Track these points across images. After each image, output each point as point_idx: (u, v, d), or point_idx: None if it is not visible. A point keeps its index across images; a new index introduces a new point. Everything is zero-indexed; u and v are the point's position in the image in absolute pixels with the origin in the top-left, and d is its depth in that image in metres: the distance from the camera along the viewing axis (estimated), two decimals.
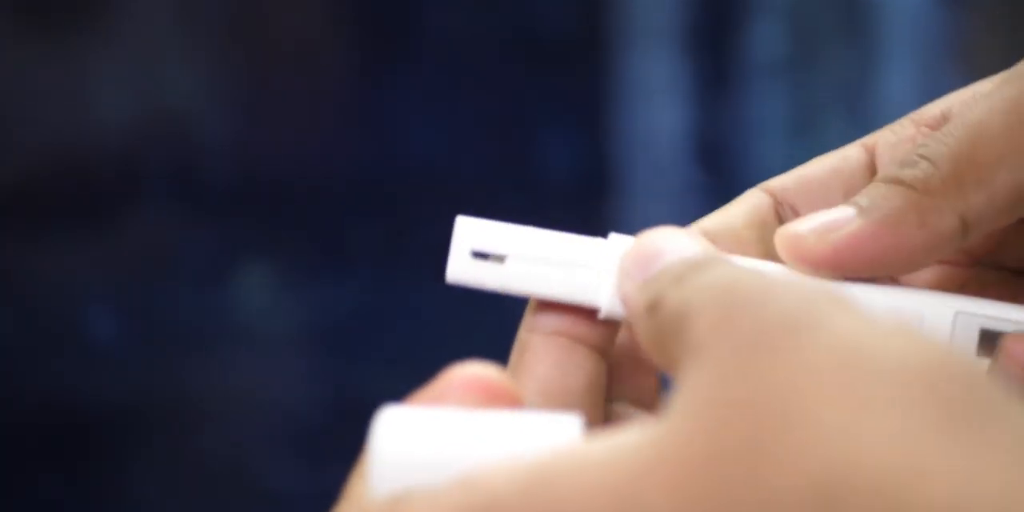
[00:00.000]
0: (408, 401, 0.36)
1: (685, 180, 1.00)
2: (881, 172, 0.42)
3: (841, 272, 0.41)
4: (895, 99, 1.00)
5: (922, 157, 0.41)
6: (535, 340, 0.40)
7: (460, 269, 0.40)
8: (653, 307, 0.34)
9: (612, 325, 0.40)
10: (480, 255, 0.40)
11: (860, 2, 1.02)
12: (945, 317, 0.41)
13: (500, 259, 0.40)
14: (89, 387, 0.96)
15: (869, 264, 0.41)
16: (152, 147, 0.96)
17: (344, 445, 0.99)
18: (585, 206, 0.99)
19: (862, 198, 0.41)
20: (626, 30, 1.01)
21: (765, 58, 1.01)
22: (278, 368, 0.99)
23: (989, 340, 0.41)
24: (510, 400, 0.34)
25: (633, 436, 0.30)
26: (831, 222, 0.41)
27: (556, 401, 0.39)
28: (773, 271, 0.40)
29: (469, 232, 0.40)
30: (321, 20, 0.99)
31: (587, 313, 0.40)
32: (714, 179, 1.00)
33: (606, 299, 0.39)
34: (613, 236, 0.40)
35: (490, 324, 1.00)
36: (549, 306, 0.40)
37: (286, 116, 0.99)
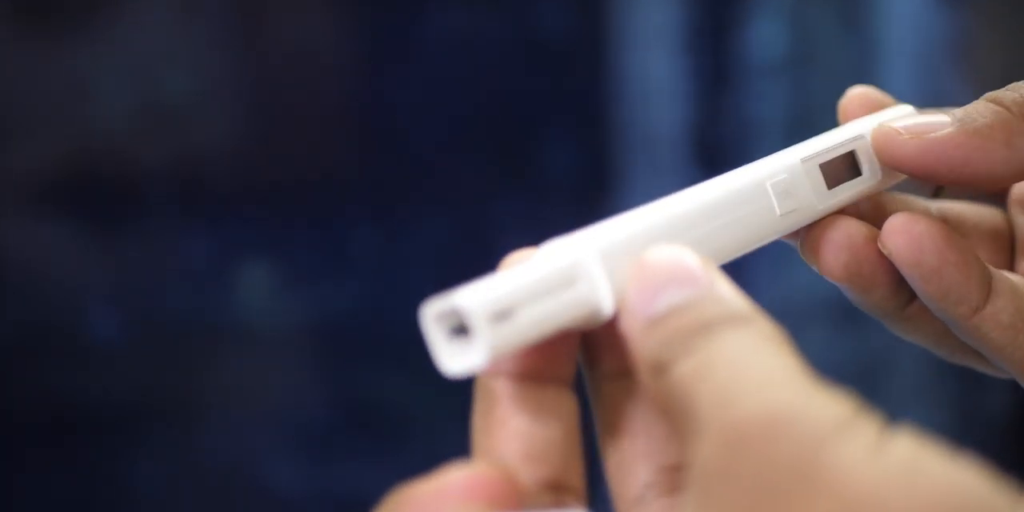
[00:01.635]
0: (406, 503, 0.34)
1: (685, 180, 1.00)
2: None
3: (922, 173, 0.43)
4: (895, 99, 1.00)
5: None
6: (503, 391, 0.38)
7: (497, 343, 0.35)
8: (659, 371, 0.34)
9: (573, 352, 0.39)
10: (498, 316, 0.36)
11: (860, 2, 1.02)
12: (798, 172, 0.42)
13: (509, 314, 0.36)
14: (89, 386, 0.96)
15: (949, 169, 0.42)
16: (152, 147, 0.96)
17: (344, 445, 0.99)
18: (585, 206, 0.99)
19: (961, 110, 0.43)
20: (626, 30, 1.01)
21: (765, 58, 1.01)
22: (278, 368, 0.99)
23: (828, 172, 0.43)
24: (508, 496, 0.34)
25: None
26: (926, 124, 0.43)
27: (541, 460, 0.37)
28: None
29: (475, 305, 0.35)
30: (321, 20, 0.99)
31: (551, 348, 0.38)
32: None
33: (605, 303, 0.37)
34: (550, 244, 0.38)
35: None
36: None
37: (286, 116, 0.99)
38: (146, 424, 0.97)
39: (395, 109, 1.00)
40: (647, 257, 0.36)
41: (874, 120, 0.44)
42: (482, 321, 0.35)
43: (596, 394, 0.39)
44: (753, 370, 0.32)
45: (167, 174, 0.97)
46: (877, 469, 0.30)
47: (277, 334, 0.99)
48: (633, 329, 0.35)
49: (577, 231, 0.38)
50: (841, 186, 0.44)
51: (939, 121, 0.43)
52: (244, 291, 0.98)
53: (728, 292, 0.35)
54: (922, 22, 1.01)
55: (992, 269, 0.42)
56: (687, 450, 0.32)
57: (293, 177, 0.99)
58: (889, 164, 0.43)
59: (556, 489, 0.37)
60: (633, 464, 0.38)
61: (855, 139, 0.45)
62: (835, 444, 0.30)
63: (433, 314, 0.36)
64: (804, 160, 0.43)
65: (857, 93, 0.46)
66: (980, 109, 0.43)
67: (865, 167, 0.44)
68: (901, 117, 0.44)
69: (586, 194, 1.01)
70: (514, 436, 0.37)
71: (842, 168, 0.44)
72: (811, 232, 0.43)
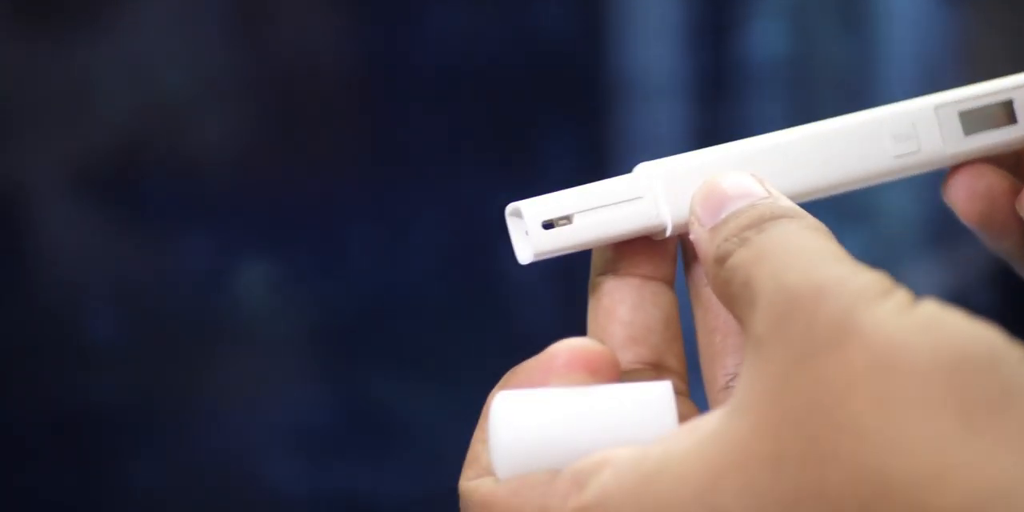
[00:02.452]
0: (516, 375, 0.40)
1: None
2: None
3: None
4: (895, 99, 1.00)
5: None
6: (610, 284, 0.44)
7: (539, 243, 0.43)
8: (720, 261, 0.39)
9: (671, 256, 0.45)
10: (549, 225, 0.43)
11: (860, 2, 1.02)
12: (929, 116, 0.45)
13: (568, 220, 0.44)
14: (88, 387, 0.96)
15: None
16: (152, 146, 0.96)
17: (344, 445, 0.99)
18: None
19: None
20: (626, 29, 1.01)
21: (765, 58, 1.01)
22: (278, 368, 0.99)
23: (969, 119, 0.45)
24: (609, 368, 0.39)
25: (709, 432, 0.35)
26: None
27: (641, 343, 0.44)
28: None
29: (534, 211, 0.44)
30: (321, 20, 0.99)
31: (650, 251, 0.45)
32: None
33: (670, 219, 0.44)
34: (642, 166, 0.46)
35: (491, 324, 1.00)
36: (614, 249, 0.45)
37: (286, 116, 0.99)
38: (145, 424, 0.97)
39: (395, 108, 1.00)
40: (712, 178, 0.42)
41: None
42: (533, 225, 0.43)
43: (694, 296, 0.45)
44: (802, 250, 0.37)
45: (167, 173, 0.97)
46: (904, 323, 0.34)
47: (277, 334, 0.99)
48: (700, 237, 0.41)
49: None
50: (985, 133, 0.46)
51: None
52: (243, 291, 0.98)
53: (780, 198, 0.40)
54: (922, 22, 1.01)
55: None
56: (745, 324, 0.37)
57: (293, 177, 0.99)
58: None
59: (656, 368, 0.44)
60: (721, 357, 0.43)
61: (1018, 88, 0.46)
62: (869, 306, 0.34)
63: (509, 212, 0.44)
64: (939, 106, 0.46)
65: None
66: None
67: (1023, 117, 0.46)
68: None
69: None
70: (617, 322, 0.44)
71: (993, 115, 0.46)
72: (954, 177, 0.46)
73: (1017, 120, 0.45)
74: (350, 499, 0.97)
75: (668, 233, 0.44)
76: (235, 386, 0.98)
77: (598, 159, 1.00)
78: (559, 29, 1.01)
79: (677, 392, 0.42)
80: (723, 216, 0.40)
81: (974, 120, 0.45)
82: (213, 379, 0.98)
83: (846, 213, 1.00)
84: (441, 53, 0.99)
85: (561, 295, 0.98)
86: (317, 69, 1.00)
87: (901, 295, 0.35)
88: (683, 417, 0.39)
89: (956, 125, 0.45)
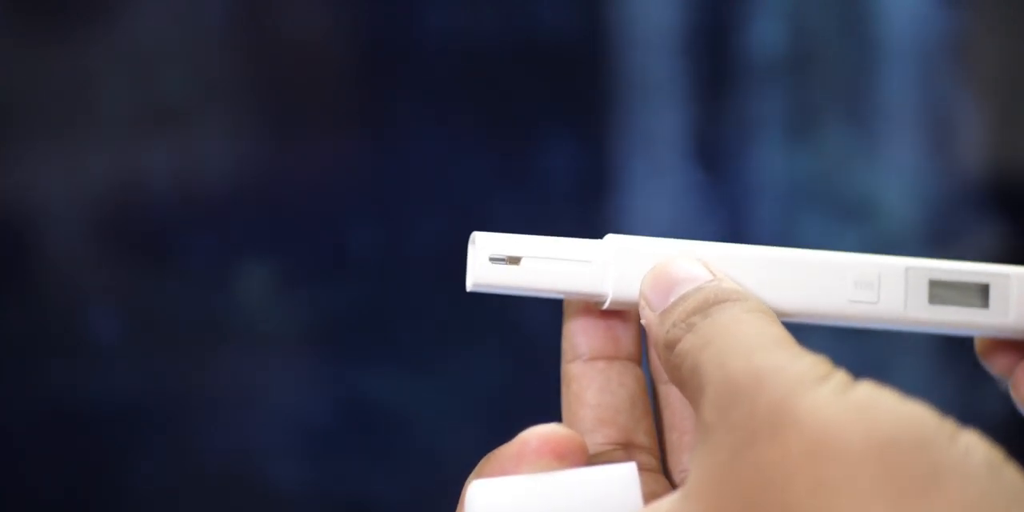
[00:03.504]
0: (490, 462, 0.42)
1: (685, 180, 1.00)
2: None
3: None
4: (895, 99, 1.00)
5: None
6: (577, 370, 0.46)
7: (481, 275, 0.45)
8: (670, 347, 0.40)
9: (634, 335, 0.46)
10: (497, 259, 0.45)
11: (860, 2, 1.02)
12: (898, 274, 0.45)
13: (516, 261, 0.45)
14: (88, 387, 0.96)
15: None
16: (152, 146, 0.96)
17: (344, 445, 0.99)
18: (585, 206, 0.99)
19: None
20: (626, 30, 1.01)
21: (765, 58, 1.01)
22: (278, 368, 0.99)
23: (938, 289, 0.45)
24: (576, 452, 0.41)
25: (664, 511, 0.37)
26: None
27: (609, 424, 0.46)
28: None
29: (485, 243, 0.45)
30: (321, 21, 0.99)
31: (613, 332, 0.46)
32: (714, 179, 1.00)
33: (611, 289, 0.45)
34: (609, 237, 0.45)
35: (491, 324, 1.00)
36: (580, 335, 0.46)
37: (286, 116, 0.99)
38: (145, 424, 0.97)
39: (394, 108, 1.00)
40: (661, 262, 0.43)
41: None
42: (480, 256, 0.44)
43: (656, 388, 0.47)
44: (744, 336, 0.38)
45: (167, 173, 0.97)
46: (838, 407, 0.35)
47: (276, 334, 0.99)
48: (650, 321, 0.42)
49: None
50: (951, 308, 0.46)
51: None
52: (243, 291, 0.98)
53: (724, 280, 0.42)
54: (922, 22, 1.01)
55: None
56: (696, 409, 0.38)
57: (293, 177, 0.99)
58: None
59: (626, 447, 0.45)
60: (678, 453, 0.46)
61: (996, 275, 0.47)
62: (806, 391, 0.35)
63: (472, 240, 0.45)
64: (910, 268, 0.46)
65: None
66: None
67: (996, 304, 0.46)
68: None
69: (586, 194, 1.01)
70: (586, 406, 0.46)
71: (965, 294, 0.46)
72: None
73: (989, 305, 0.45)
74: (350, 499, 0.97)
75: (606, 305, 0.45)
76: (235, 386, 0.98)
77: (598, 159, 1.00)
78: (560, 29, 1.01)
79: (647, 469, 0.45)
80: (671, 300, 0.42)
81: (943, 292, 0.45)
82: (213, 379, 0.98)
83: (846, 213, 1.00)
84: (441, 53, 0.99)
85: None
86: (317, 69, 1.00)
87: (837, 379, 0.36)
88: (654, 494, 0.41)
89: (923, 290, 0.45)
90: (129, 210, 0.96)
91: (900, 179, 1.00)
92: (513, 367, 0.98)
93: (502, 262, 0.45)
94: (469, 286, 0.45)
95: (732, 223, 0.98)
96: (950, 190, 1.01)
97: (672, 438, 0.46)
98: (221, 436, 0.98)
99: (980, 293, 0.45)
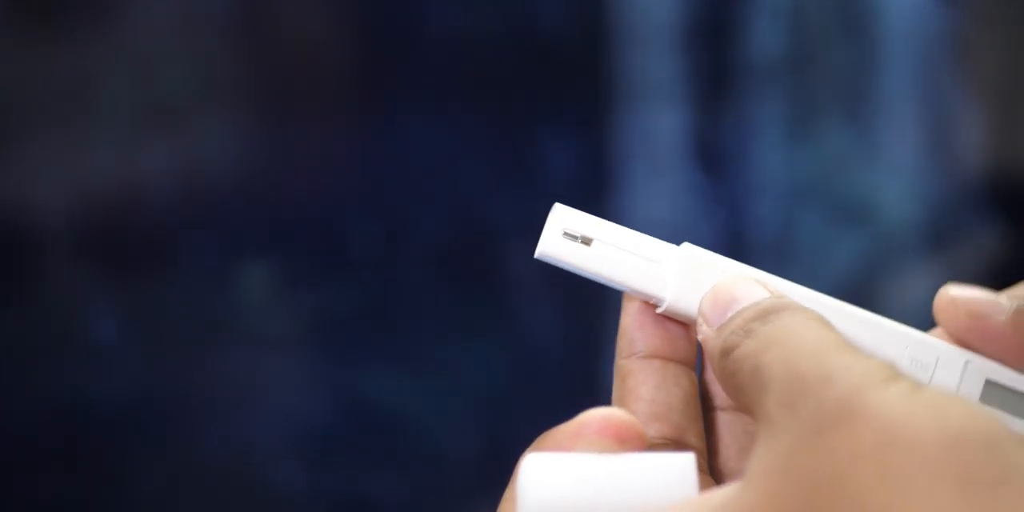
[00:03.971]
0: (547, 438, 0.42)
1: (685, 180, 1.00)
2: None
3: (975, 345, 0.46)
4: (895, 99, 1.00)
5: None
6: (634, 366, 0.47)
7: (551, 245, 0.46)
8: (726, 353, 0.41)
9: (692, 341, 0.47)
10: (571, 235, 0.46)
11: (860, 2, 1.02)
12: (956, 364, 0.45)
13: (588, 242, 0.46)
14: (89, 387, 0.96)
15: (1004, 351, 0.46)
16: (152, 146, 0.96)
17: (344, 445, 0.99)
18: (585, 206, 0.99)
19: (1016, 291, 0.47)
20: (626, 30, 1.01)
21: (765, 58, 1.01)
22: (278, 368, 0.99)
23: (992, 390, 0.45)
24: (636, 438, 0.41)
25: (723, 500, 0.37)
26: (983, 303, 0.46)
27: (663, 419, 0.46)
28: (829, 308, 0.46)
29: (564, 216, 0.46)
30: (322, 20, 0.99)
31: (672, 334, 0.46)
32: (714, 179, 1.00)
33: (669, 295, 0.45)
34: (685, 244, 0.46)
35: (490, 324, 1.00)
36: (638, 332, 0.47)
37: (286, 115, 0.99)
38: (145, 424, 0.97)
39: (395, 108, 1.00)
40: (721, 282, 0.44)
41: None
42: (553, 227, 0.46)
43: (706, 421, 0.47)
44: (808, 339, 0.38)
45: (167, 173, 0.97)
46: (908, 404, 0.35)
47: (276, 334, 0.99)
48: (707, 335, 0.43)
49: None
50: (1000, 412, 0.46)
51: (994, 303, 0.46)
52: (243, 291, 0.98)
53: (784, 296, 0.43)
54: (922, 22, 1.01)
55: None
56: (755, 409, 0.38)
57: (293, 176, 0.99)
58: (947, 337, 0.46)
59: (677, 444, 0.46)
60: (722, 476, 0.46)
61: None
62: (876, 388, 0.36)
63: (553, 210, 0.46)
64: (970, 361, 0.45)
65: (952, 298, 0.48)
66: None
67: None
68: (966, 288, 0.47)
69: (586, 194, 1.01)
70: (640, 401, 0.46)
71: (1017, 402, 0.46)
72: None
73: None
74: (350, 499, 0.97)
75: (662, 309, 0.45)
76: (235, 386, 0.98)
77: (598, 159, 1.01)
78: (560, 28, 1.01)
79: (699, 469, 0.44)
80: (728, 315, 0.42)
81: (997, 395, 0.45)
82: (213, 379, 0.98)
83: (846, 213, 1.00)
84: (441, 53, 0.99)
85: (561, 296, 0.98)
86: (317, 68, 1.00)
87: (906, 381, 0.36)
88: (702, 491, 0.40)
89: (977, 387, 0.45)
90: (129, 210, 0.96)
91: (900, 179, 1.00)
92: (513, 367, 0.98)
93: (575, 239, 0.46)
94: (537, 253, 0.46)
95: (732, 223, 0.98)
96: (950, 190, 1.01)
97: (717, 461, 0.46)
98: (221, 436, 0.98)
99: None
